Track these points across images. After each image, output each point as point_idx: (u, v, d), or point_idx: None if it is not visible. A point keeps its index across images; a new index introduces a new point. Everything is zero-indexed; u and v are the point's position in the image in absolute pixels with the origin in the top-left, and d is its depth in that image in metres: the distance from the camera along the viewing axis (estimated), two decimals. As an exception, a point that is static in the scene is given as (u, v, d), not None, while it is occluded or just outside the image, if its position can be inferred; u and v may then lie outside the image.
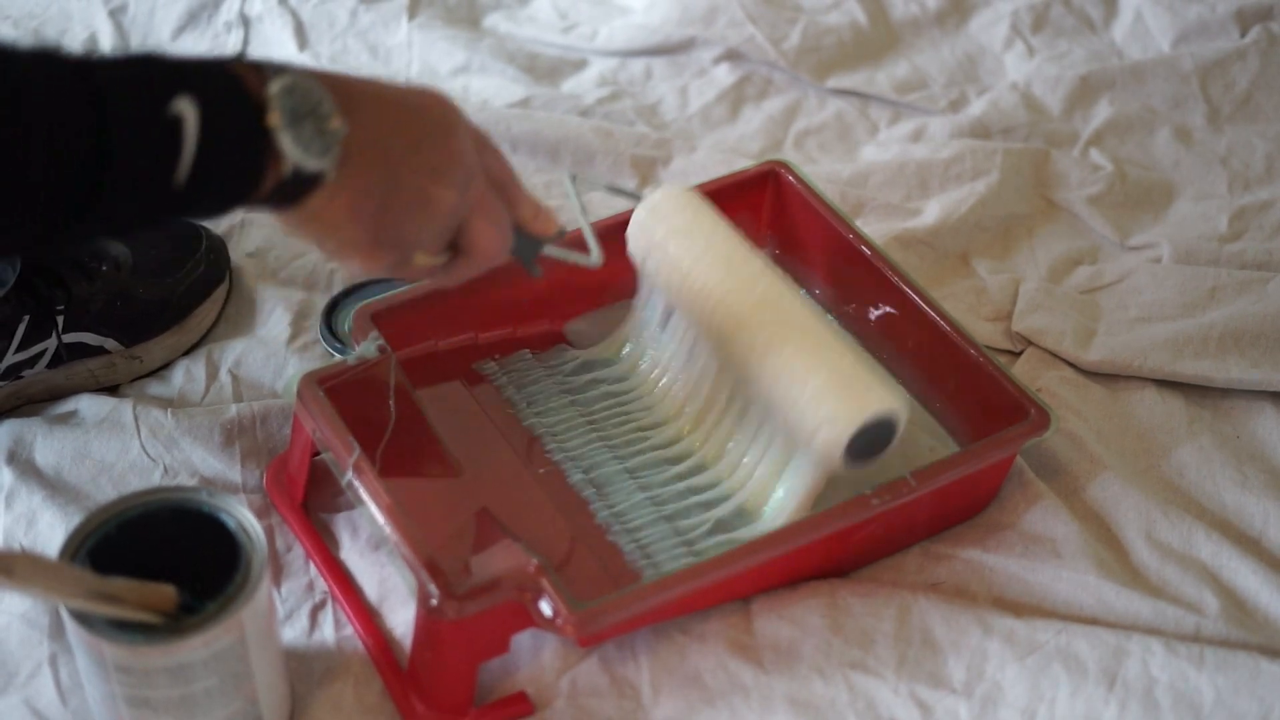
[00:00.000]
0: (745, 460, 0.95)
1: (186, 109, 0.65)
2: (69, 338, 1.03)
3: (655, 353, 1.02)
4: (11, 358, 1.01)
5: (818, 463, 0.89)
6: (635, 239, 1.00)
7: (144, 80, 0.66)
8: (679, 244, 0.97)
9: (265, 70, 0.70)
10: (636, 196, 1.01)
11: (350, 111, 0.72)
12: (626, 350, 1.04)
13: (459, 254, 0.81)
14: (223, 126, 0.67)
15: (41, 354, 1.02)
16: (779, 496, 0.92)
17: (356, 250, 0.76)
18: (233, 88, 0.68)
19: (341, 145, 0.71)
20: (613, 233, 1.00)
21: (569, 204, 1.19)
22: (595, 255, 0.93)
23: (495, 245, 0.81)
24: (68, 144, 0.63)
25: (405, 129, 0.75)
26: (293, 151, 0.69)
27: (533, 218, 0.86)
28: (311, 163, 0.70)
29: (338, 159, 0.71)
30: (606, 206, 1.15)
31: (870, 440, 0.89)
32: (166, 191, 0.66)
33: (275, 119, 0.68)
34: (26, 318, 1.01)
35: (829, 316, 0.96)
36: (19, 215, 0.64)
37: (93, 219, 0.66)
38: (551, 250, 0.89)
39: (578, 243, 0.92)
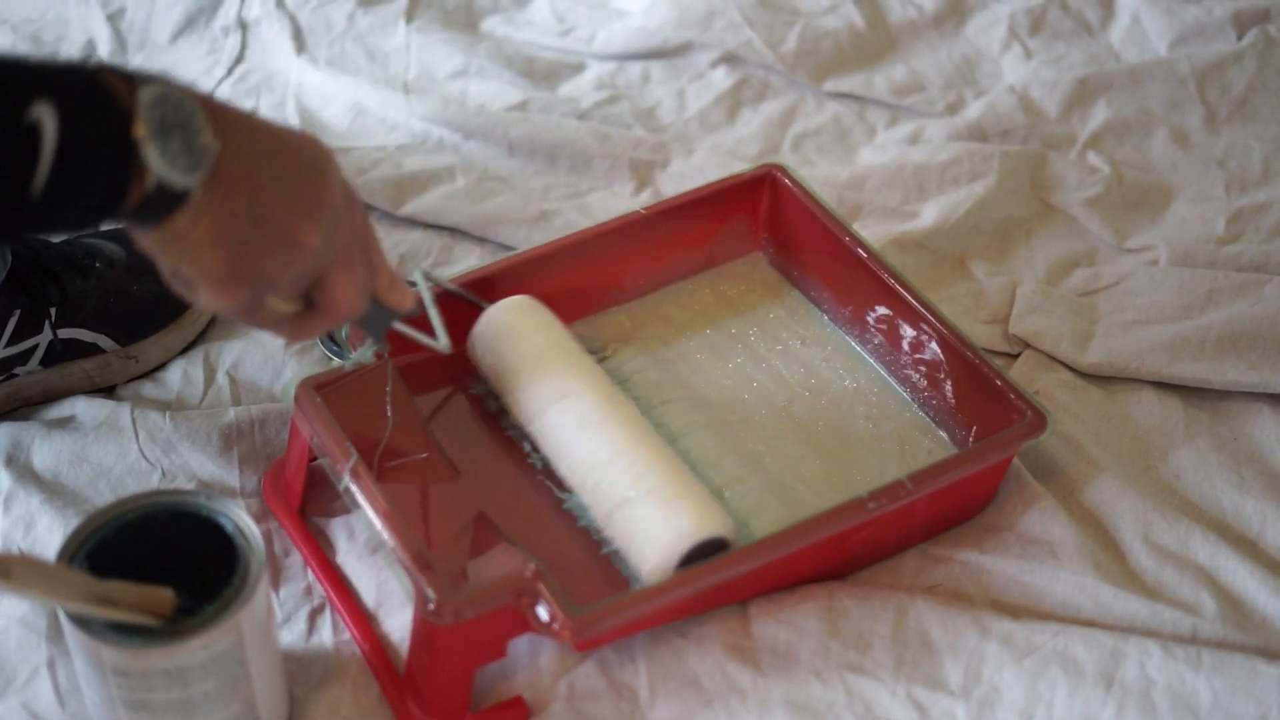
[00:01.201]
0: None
1: (45, 116, 0.62)
2: (62, 333, 1.03)
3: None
4: (3, 352, 1.01)
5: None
6: (476, 351, 1.00)
7: (1, 85, 0.63)
8: (511, 362, 0.97)
9: (135, 78, 0.67)
10: (481, 305, 1.00)
11: (223, 133, 0.69)
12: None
13: (311, 307, 0.77)
14: (84, 136, 0.64)
15: (34, 349, 1.02)
16: None
17: (212, 282, 0.71)
18: (97, 95, 0.65)
19: (211, 165, 0.68)
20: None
21: (556, 211, 1.20)
22: (443, 341, 0.91)
23: (351, 302, 0.77)
24: None
25: (278, 161, 0.72)
26: (158, 165, 0.66)
27: (389, 288, 0.83)
28: (178, 179, 0.67)
29: (205, 178, 0.68)
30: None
31: (704, 556, 0.88)
32: (21, 203, 0.64)
33: (142, 129, 0.65)
34: (18, 312, 1.01)
35: (647, 424, 0.96)
36: None
37: None
38: (401, 327, 0.87)
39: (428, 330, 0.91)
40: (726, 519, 0.90)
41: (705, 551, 0.88)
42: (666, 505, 0.89)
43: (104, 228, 0.68)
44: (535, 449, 0.98)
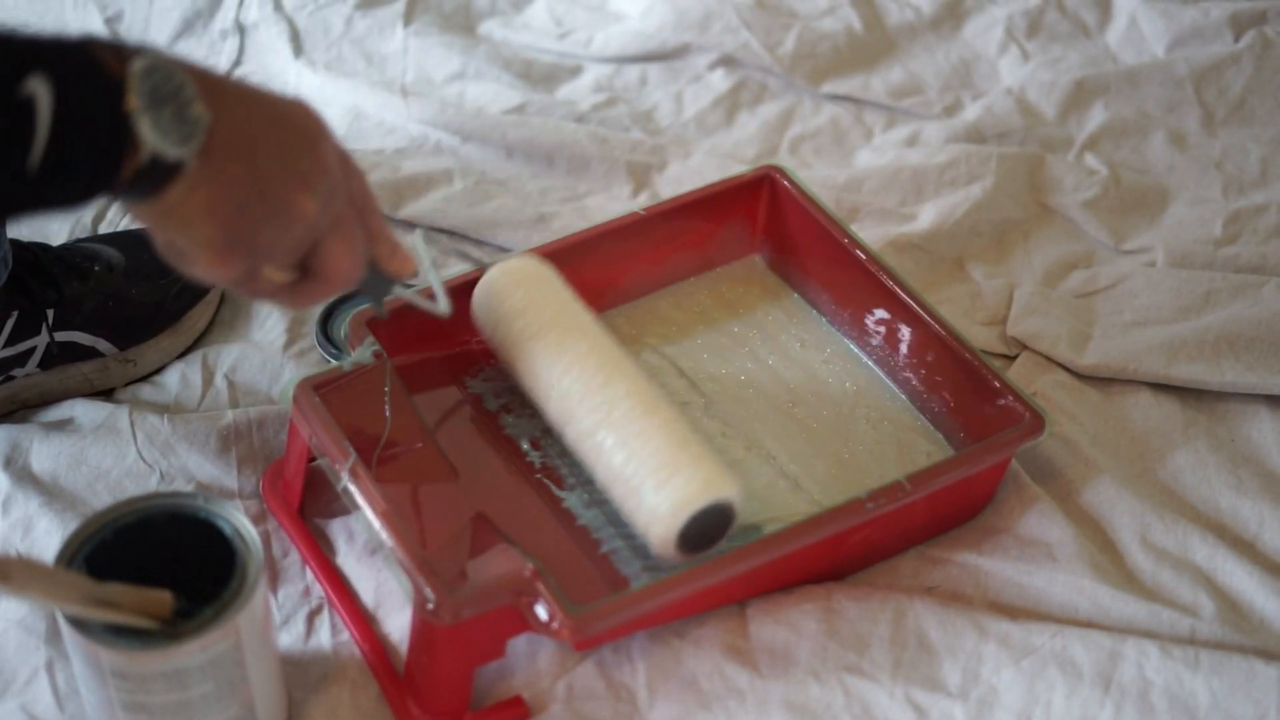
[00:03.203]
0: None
1: (39, 89, 0.62)
2: (60, 336, 1.03)
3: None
4: (1, 353, 1.01)
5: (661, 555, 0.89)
6: (479, 315, 0.99)
7: None
8: (515, 325, 0.96)
9: (125, 50, 0.66)
10: (483, 265, 1.00)
11: (215, 104, 0.68)
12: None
13: (308, 275, 0.77)
14: (78, 107, 0.64)
15: (31, 352, 1.02)
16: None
17: (208, 252, 0.71)
18: (89, 67, 0.65)
19: (204, 136, 0.67)
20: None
21: (554, 214, 1.20)
22: (444, 305, 0.91)
23: (347, 269, 0.77)
24: None
25: (272, 130, 0.72)
26: (151, 137, 0.65)
27: (389, 255, 0.83)
28: (171, 150, 0.66)
29: (198, 148, 0.67)
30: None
31: (708, 525, 0.88)
32: (18, 178, 0.64)
33: (134, 101, 0.65)
34: (15, 313, 1.01)
35: (654, 388, 0.94)
36: None
37: None
38: (402, 292, 0.86)
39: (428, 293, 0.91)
40: (734, 483, 0.88)
41: (713, 516, 0.87)
42: (672, 470, 0.88)
43: (97, 200, 0.68)
44: (535, 448, 0.98)
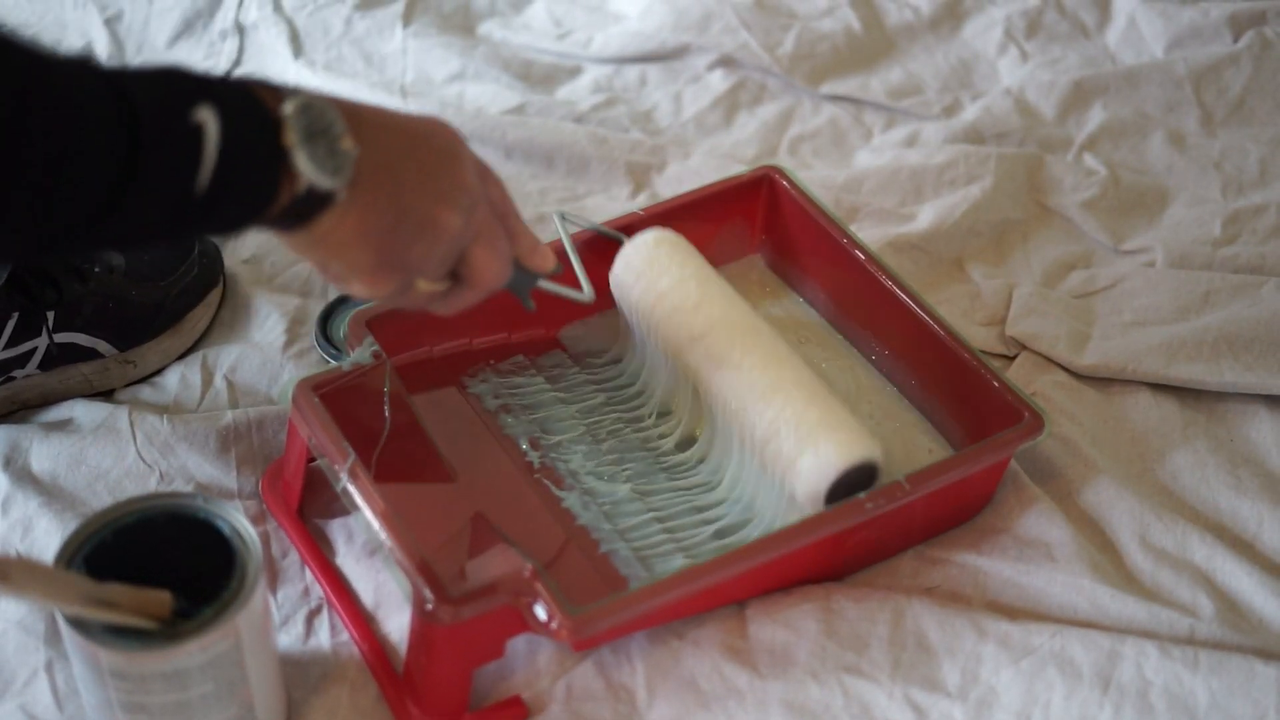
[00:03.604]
0: (736, 479, 0.95)
1: (208, 118, 0.66)
2: (60, 338, 1.03)
3: (647, 365, 1.02)
4: (1, 354, 1.01)
5: (802, 507, 0.91)
6: (619, 283, 1.01)
7: (169, 88, 0.67)
8: (659, 289, 0.99)
9: (280, 90, 0.71)
10: (619, 238, 1.02)
11: (361, 135, 0.73)
12: (620, 355, 1.04)
13: (459, 282, 0.82)
14: (242, 138, 0.68)
15: (32, 353, 1.02)
16: (766, 521, 0.93)
17: (362, 274, 0.76)
18: (250, 102, 0.69)
19: (353, 167, 0.72)
20: (598, 247, 1.03)
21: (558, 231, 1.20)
22: (587, 291, 0.96)
23: (495, 274, 0.82)
24: (100, 148, 0.64)
25: (413, 154, 0.76)
26: (307, 169, 0.70)
27: (531, 252, 0.87)
28: (324, 181, 0.70)
29: (349, 179, 0.72)
30: (604, 212, 1.15)
31: (852, 483, 0.90)
32: (186, 201, 0.67)
33: (291, 137, 0.70)
34: (16, 314, 1.01)
35: (799, 359, 0.98)
36: (46, 219, 0.64)
37: (113, 225, 0.66)
38: (546, 284, 0.90)
39: (570, 279, 0.94)
40: (875, 444, 0.91)
41: (859, 479, 0.90)
42: (829, 429, 0.91)
43: (251, 228, 0.72)
44: (534, 448, 0.98)
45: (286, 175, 0.70)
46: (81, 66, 0.65)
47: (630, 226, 1.05)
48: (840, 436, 0.90)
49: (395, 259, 0.76)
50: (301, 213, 0.72)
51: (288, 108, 0.70)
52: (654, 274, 1.00)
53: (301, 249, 0.75)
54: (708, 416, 0.97)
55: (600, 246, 1.03)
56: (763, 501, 0.94)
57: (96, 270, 1.05)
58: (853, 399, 1.03)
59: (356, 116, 0.74)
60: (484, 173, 0.82)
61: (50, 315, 1.03)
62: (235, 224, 0.72)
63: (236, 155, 0.68)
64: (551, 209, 1.21)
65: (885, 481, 0.90)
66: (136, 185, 0.65)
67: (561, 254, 0.96)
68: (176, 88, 0.67)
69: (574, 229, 1.03)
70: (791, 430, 0.91)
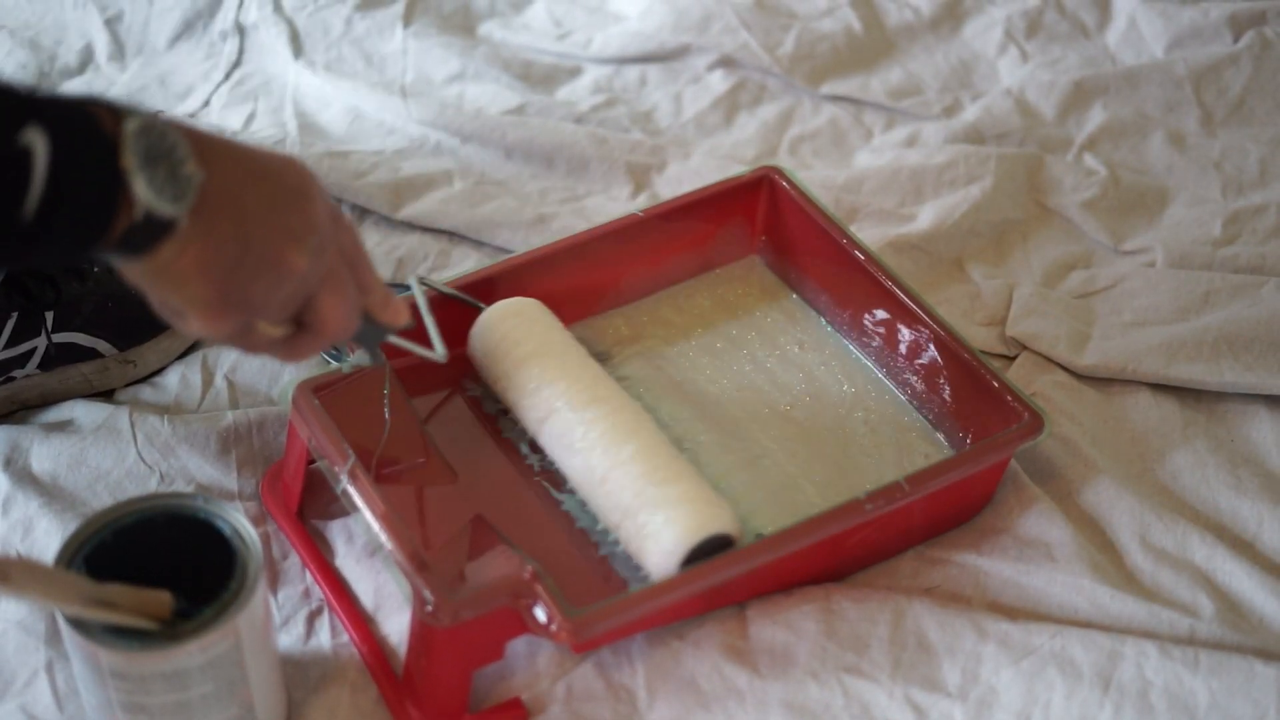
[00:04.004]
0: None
1: (36, 140, 0.63)
2: (60, 338, 1.03)
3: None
4: (1, 354, 1.01)
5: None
6: (475, 348, 1.00)
7: None
8: (508, 366, 0.97)
9: (119, 110, 0.67)
10: (479, 306, 1.00)
11: (206, 162, 0.69)
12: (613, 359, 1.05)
13: (302, 329, 0.78)
14: (74, 161, 0.65)
15: (31, 353, 1.02)
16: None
17: (201, 310, 0.72)
18: (86, 124, 0.66)
19: (196, 194, 0.68)
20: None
21: (553, 215, 1.20)
22: (439, 351, 0.92)
23: (341, 323, 0.78)
24: None
25: (262, 186, 0.72)
26: (145, 194, 0.66)
27: (383, 305, 0.84)
28: (165, 208, 0.67)
29: (191, 206, 0.68)
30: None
31: (707, 552, 0.88)
32: (12, 227, 0.64)
33: (129, 159, 0.66)
34: (15, 314, 1.01)
35: (653, 425, 0.95)
36: None
37: None
38: (397, 340, 0.87)
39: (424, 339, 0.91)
40: (731, 516, 0.89)
41: (711, 549, 0.88)
42: (671, 505, 0.89)
43: (87, 255, 0.68)
44: (534, 450, 0.98)
45: (124, 200, 0.67)
46: None
47: (503, 280, 1.03)
48: (675, 515, 0.88)
49: (237, 296, 0.72)
50: (140, 241, 0.68)
51: (128, 128, 0.67)
52: (498, 355, 0.98)
53: (139, 279, 0.71)
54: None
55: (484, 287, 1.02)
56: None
57: (96, 270, 1.05)
58: (851, 400, 1.03)
59: (203, 143, 0.70)
60: (336, 217, 0.77)
61: (49, 315, 1.03)
62: (68, 251, 0.68)
63: (68, 179, 0.64)
64: (552, 209, 1.21)
65: (885, 482, 0.90)
66: None
67: (436, 307, 0.94)
68: (1, 108, 0.64)
69: (432, 289, 0.99)
70: (632, 518, 0.90)
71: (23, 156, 0.63)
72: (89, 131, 0.66)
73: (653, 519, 0.89)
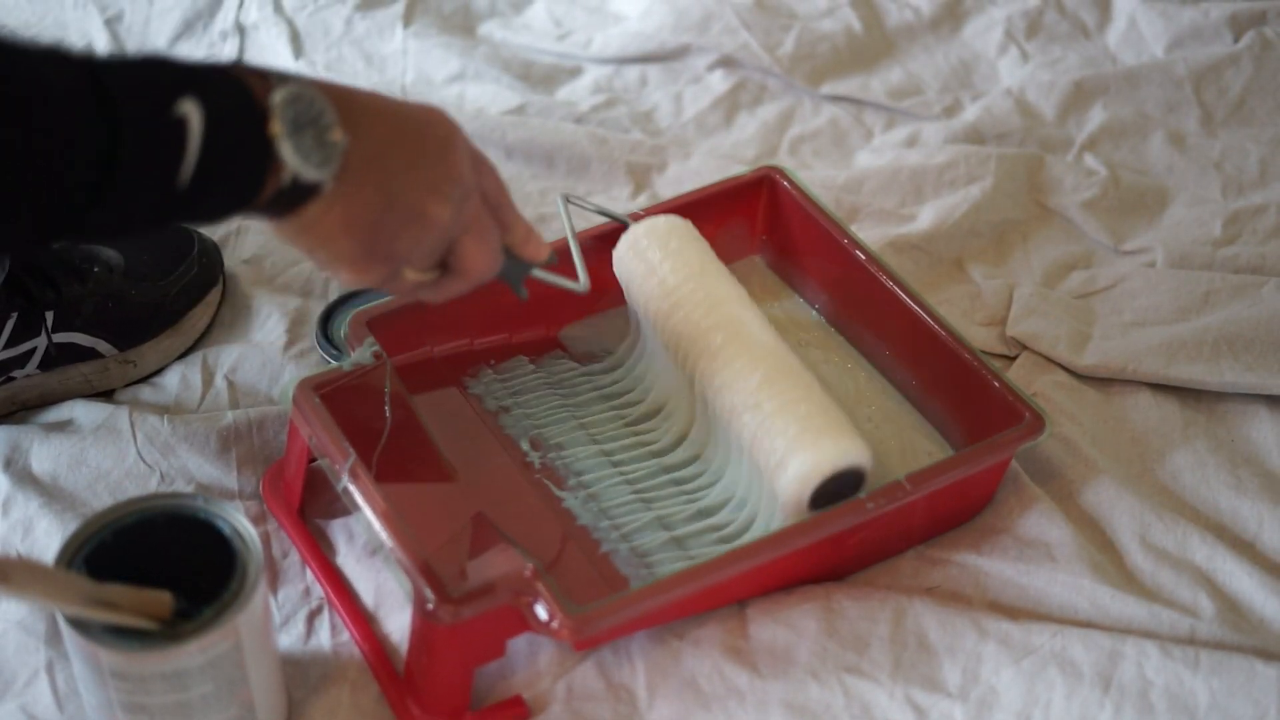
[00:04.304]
0: (731, 480, 0.95)
1: (191, 110, 0.65)
2: (60, 338, 1.03)
3: (646, 363, 1.02)
4: (1, 354, 1.01)
5: (787, 513, 0.90)
6: (621, 265, 1.01)
7: (151, 80, 0.66)
8: (661, 275, 0.99)
9: (270, 78, 0.70)
10: (625, 221, 1.02)
11: (351, 124, 0.72)
12: (621, 356, 1.04)
13: (448, 272, 0.81)
14: (226, 130, 0.67)
15: (31, 353, 1.02)
16: (759, 527, 0.93)
17: (348, 263, 0.76)
18: (237, 93, 0.69)
19: (341, 158, 0.71)
20: (602, 243, 1.02)
21: (560, 217, 1.20)
22: (583, 281, 0.95)
23: (485, 266, 0.82)
24: (77, 142, 0.63)
25: (405, 144, 0.75)
26: (293, 160, 0.69)
27: (524, 241, 0.87)
28: (310, 173, 0.70)
29: (336, 171, 0.71)
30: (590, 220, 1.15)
31: (837, 487, 0.89)
32: (169, 192, 0.67)
33: (277, 127, 0.69)
34: (15, 315, 1.01)
35: (795, 359, 0.97)
36: (24, 213, 0.64)
37: (96, 217, 0.66)
38: (540, 274, 0.90)
39: (566, 267, 0.93)
40: (862, 448, 0.90)
41: (844, 483, 0.89)
42: (809, 432, 0.90)
43: (238, 216, 0.71)
44: (534, 448, 0.98)
45: (272, 166, 0.69)
46: (55, 57, 0.65)
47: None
48: (825, 442, 0.89)
49: (382, 249, 0.76)
50: (287, 203, 0.71)
51: (276, 97, 0.69)
52: (660, 261, 0.99)
53: (286, 236, 0.74)
54: (702, 415, 0.97)
55: (597, 243, 1.03)
56: (758, 503, 0.93)
57: (95, 270, 1.05)
58: (852, 400, 1.03)
59: (349, 104, 0.72)
60: (479, 162, 0.81)
61: (49, 315, 1.03)
62: (220, 213, 0.71)
63: (221, 148, 0.67)
64: (553, 209, 1.21)
65: (885, 481, 0.90)
66: (117, 179, 0.65)
67: (563, 243, 0.96)
68: (158, 80, 0.66)
69: (578, 212, 1.02)
70: (779, 433, 0.91)
71: (179, 126, 0.65)
72: (241, 100, 0.68)
73: (799, 443, 0.89)
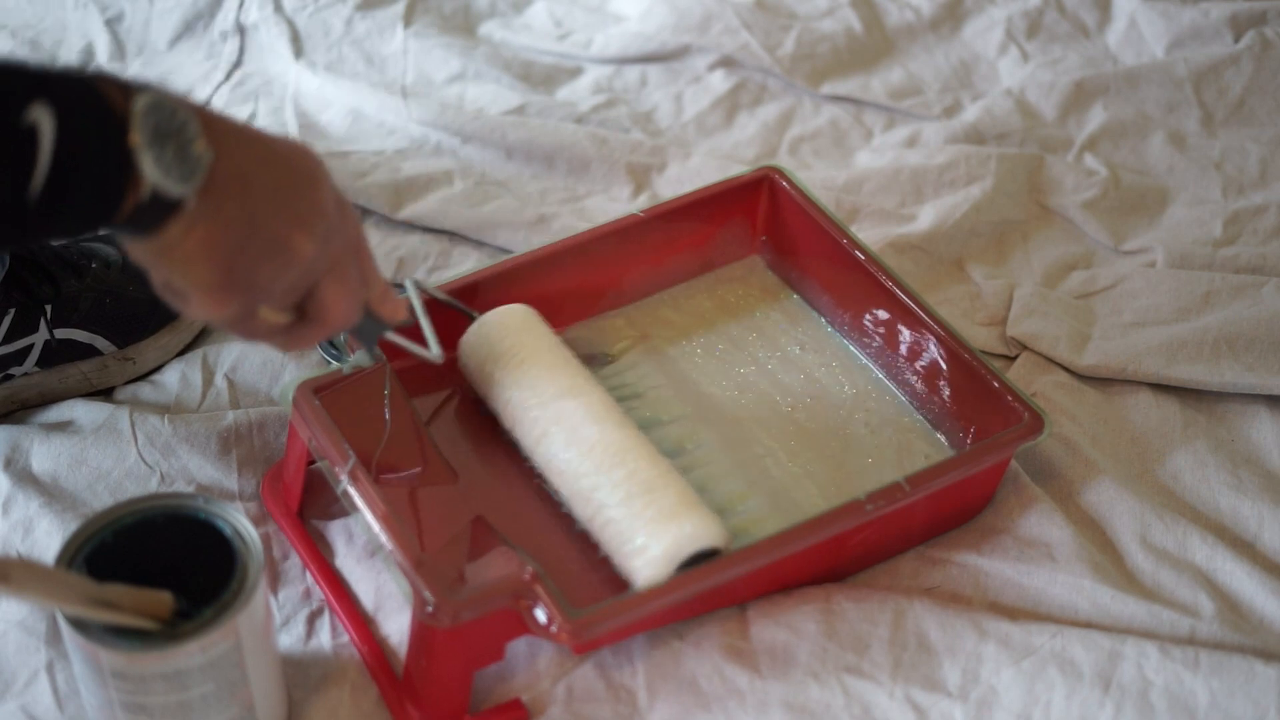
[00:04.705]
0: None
1: (42, 117, 0.63)
2: (59, 334, 1.03)
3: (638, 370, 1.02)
4: None
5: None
6: (465, 359, 0.99)
7: (1, 87, 0.63)
8: (501, 374, 0.96)
9: (130, 87, 0.67)
10: (471, 315, 1.00)
11: (216, 142, 0.69)
12: (617, 359, 1.05)
13: (304, 318, 0.77)
14: (81, 139, 0.64)
15: (29, 349, 1.02)
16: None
17: (204, 291, 0.71)
18: (94, 101, 0.65)
19: (205, 174, 0.68)
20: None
21: (554, 215, 1.20)
22: (435, 351, 0.91)
23: (344, 314, 0.77)
24: None
25: (271, 170, 0.72)
26: (153, 173, 0.66)
27: (381, 299, 0.83)
28: (172, 187, 0.67)
29: (199, 186, 0.68)
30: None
31: (696, 560, 0.88)
32: (20, 204, 0.64)
33: (137, 137, 0.66)
34: (13, 311, 1.01)
35: (640, 436, 0.94)
36: None
37: None
38: (394, 337, 0.87)
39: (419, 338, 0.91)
40: (719, 528, 0.89)
41: (700, 561, 0.88)
42: (657, 519, 0.88)
43: (97, 235, 0.68)
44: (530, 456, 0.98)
45: (131, 178, 0.66)
46: None
47: (496, 284, 1.02)
48: (672, 528, 0.87)
49: (242, 279, 0.71)
50: (147, 220, 0.68)
51: (137, 105, 0.66)
52: (490, 366, 0.97)
53: (145, 258, 0.71)
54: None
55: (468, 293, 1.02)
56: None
57: (93, 265, 1.05)
58: (852, 400, 1.03)
59: (213, 123, 0.69)
60: (343, 206, 0.76)
61: (47, 310, 1.03)
62: (77, 228, 0.67)
63: (76, 158, 0.64)
64: (553, 210, 1.21)
65: (885, 483, 0.90)
66: None
67: (433, 308, 0.94)
68: (7, 85, 0.63)
69: (426, 293, 0.98)
70: (627, 527, 0.89)
71: (29, 134, 0.63)
72: (96, 109, 0.65)
73: (638, 538, 0.88)
